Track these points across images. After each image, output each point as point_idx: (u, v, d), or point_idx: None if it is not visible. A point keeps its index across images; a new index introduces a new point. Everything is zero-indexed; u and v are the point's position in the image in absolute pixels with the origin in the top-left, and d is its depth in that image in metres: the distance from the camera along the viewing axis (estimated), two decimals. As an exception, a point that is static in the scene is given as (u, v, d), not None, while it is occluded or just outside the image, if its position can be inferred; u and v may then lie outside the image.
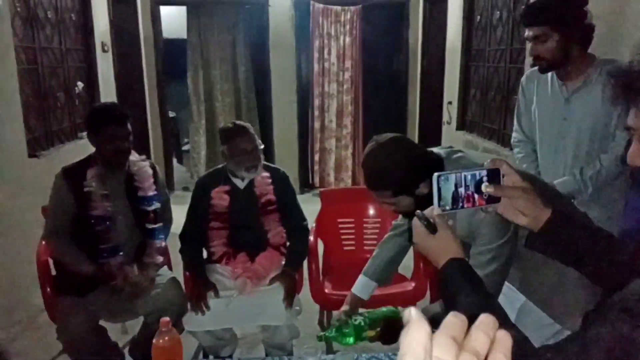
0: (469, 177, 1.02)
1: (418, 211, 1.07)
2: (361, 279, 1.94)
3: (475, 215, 1.42)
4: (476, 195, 1.03)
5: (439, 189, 1.02)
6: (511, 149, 3.34)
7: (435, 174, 1.00)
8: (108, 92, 4.38)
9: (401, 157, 1.40)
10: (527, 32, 1.98)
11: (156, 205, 2.29)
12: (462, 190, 1.02)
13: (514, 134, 2.32)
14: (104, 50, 4.29)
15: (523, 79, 2.23)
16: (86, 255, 2.16)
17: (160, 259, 2.33)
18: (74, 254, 2.16)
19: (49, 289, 2.28)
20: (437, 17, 5.01)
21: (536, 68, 2.08)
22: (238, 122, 2.37)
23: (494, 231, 1.42)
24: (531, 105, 2.17)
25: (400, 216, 1.86)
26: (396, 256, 1.95)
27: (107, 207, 2.16)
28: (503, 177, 1.03)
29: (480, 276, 1.16)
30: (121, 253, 2.20)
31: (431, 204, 1.47)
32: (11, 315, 2.76)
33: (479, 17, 4.12)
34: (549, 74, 2.05)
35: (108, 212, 2.17)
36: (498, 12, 3.73)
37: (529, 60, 3.10)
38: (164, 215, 2.39)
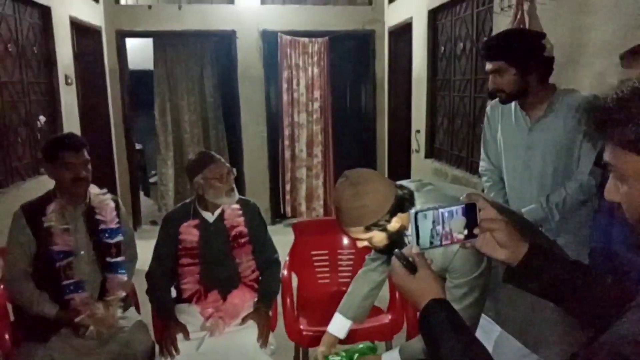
0: (446, 213, 1.00)
1: (397, 250, 1.04)
2: (337, 317, 1.90)
3: (448, 249, 1.41)
4: (454, 232, 1.02)
5: (417, 227, 1.00)
6: (479, 176, 3.42)
7: (413, 212, 0.99)
8: (72, 126, 4.26)
9: (372, 194, 1.38)
10: (487, 66, 2.03)
11: (118, 238, 2.23)
12: (439, 227, 1.01)
13: (481, 163, 2.35)
14: (67, 83, 4.19)
15: (488, 108, 2.27)
16: (48, 295, 2.08)
17: (123, 293, 2.23)
18: (35, 297, 2.07)
19: (7, 337, 2.14)
20: (403, 47, 5.11)
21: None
22: (204, 150, 2.34)
23: (467, 264, 1.42)
24: (496, 134, 2.21)
25: (372, 251, 1.83)
26: (371, 292, 1.93)
27: (68, 241, 2.11)
28: (479, 211, 1.02)
29: (457, 310, 1.14)
30: (84, 289, 2.13)
31: (402, 238, 1.46)
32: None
33: (442, 48, 4.22)
34: (512, 103, 2.09)
35: (70, 246, 2.11)
36: (462, 44, 3.83)
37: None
38: (128, 251, 2.31)
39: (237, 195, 2.30)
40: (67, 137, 2.19)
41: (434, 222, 1.00)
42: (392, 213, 1.40)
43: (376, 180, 1.43)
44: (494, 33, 3.15)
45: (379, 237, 1.43)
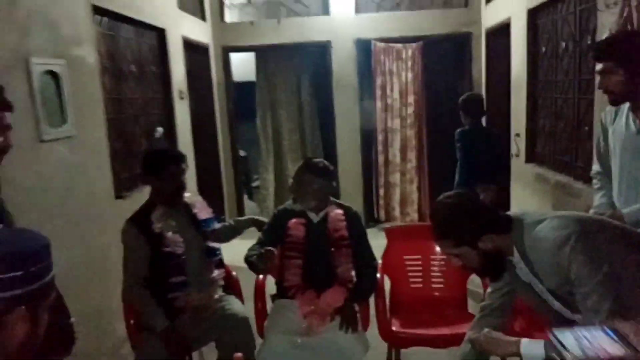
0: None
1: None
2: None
3: (557, 257, 1.41)
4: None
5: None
6: (584, 182, 3.25)
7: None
8: (185, 136, 4.69)
9: (464, 208, 1.49)
10: (596, 66, 2.03)
11: (215, 225, 2.49)
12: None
13: (593, 166, 2.33)
14: (180, 98, 4.62)
15: (604, 112, 2.22)
16: (155, 292, 2.29)
17: (218, 273, 2.47)
18: (151, 310, 2.27)
19: (132, 322, 2.45)
20: (500, 49, 4.97)
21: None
22: (309, 160, 2.49)
23: (587, 267, 1.38)
24: (607, 138, 2.16)
25: (487, 296, 1.85)
26: None
27: (179, 241, 2.32)
28: None
29: (598, 323, 1.25)
30: (188, 287, 2.32)
31: (501, 262, 1.49)
32: (97, 344, 2.96)
33: (544, 48, 4.06)
34: (626, 107, 2.02)
35: (181, 246, 2.32)
36: (564, 43, 3.66)
37: (598, 91, 3.03)
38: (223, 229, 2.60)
39: (321, 213, 2.45)
40: (167, 151, 2.48)
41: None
42: (483, 231, 1.46)
43: (468, 198, 1.53)
44: (598, 31, 2.99)
45: (469, 255, 1.50)
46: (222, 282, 2.50)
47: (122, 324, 2.52)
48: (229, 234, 2.63)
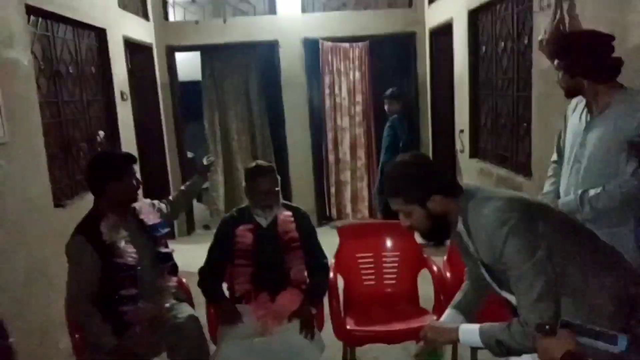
0: None
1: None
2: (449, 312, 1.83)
3: (492, 242, 1.47)
4: None
5: None
6: (524, 176, 3.41)
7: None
8: (128, 138, 4.53)
9: (417, 166, 1.57)
10: (555, 62, 2.14)
11: (165, 230, 2.40)
12: None
13: (553, 154, 2.40)
14: (122, 99, 4.46)
15: (569, 104, 2.31)
16: (103, 307, 2.15)
17: (174, 280, 2.39)
18: (98, 328, 2.14)
19: (77, 336, 2.33)
20: (444, 48, 5.11)
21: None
22: (260, 162, 2.47)
23: (519, 254, 1.43)
24: (566, 129, 2.26)
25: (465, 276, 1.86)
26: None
27: (131, 252, 2.21)
28: None
29: (530, 305, 1.36)
30: (137, 302, 2.21)
31: (446, 227, 1.60)
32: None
33: (484, 47, 4.21)
34: (584, 101, 2.12)
35: (133, 257, 2.21)
36: (502, 43, 3.81)
37: (536, 88, 3.18)
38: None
39: (273, 212, 2.44)
40: (123, 152, 2.37)
41: None
42: (431, 191, 1.53)
43: (420, 158, 1.61)
44: (534, 32, 3.13)
45: (418, 214, 1.57)
46: (174, 290, 2.42)
47: (66, 339, 2.41)
48: (182, 204, 2.61)
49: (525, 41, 3.43)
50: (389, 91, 5.18)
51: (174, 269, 2.43)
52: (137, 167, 2.32)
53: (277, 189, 2.41)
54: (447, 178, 1.60)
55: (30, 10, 3.05)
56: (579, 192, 2.02)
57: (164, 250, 2.37)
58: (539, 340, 1.25)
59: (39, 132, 3.07)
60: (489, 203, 1.51)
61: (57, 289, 2.56)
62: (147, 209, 2.40)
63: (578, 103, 2.19)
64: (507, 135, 3.88)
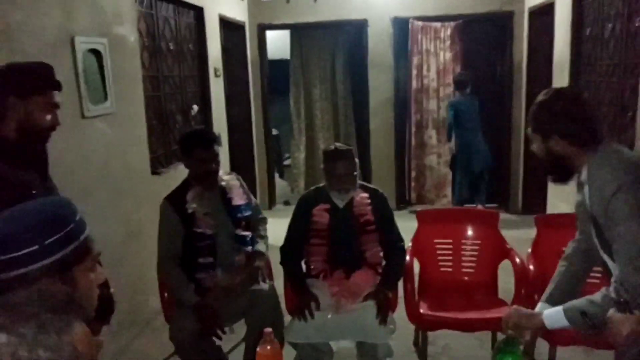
0: None
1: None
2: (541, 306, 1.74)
3: (603, 192, 1.44)
4: None
5: None
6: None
7: None
8: (219, 113, 4.75)
9: (557, 102, 1.54)
10: None
11: (247, 212, 2.49)
12: None
13: None
14: (216, 75, 4.67)
15: None
16: (184, 272, 2.33)
17: (258, 262, 2.47)
18: (181, 284, 2.32)
19: (166, 295, 2.54)
20: (544, 29, 4.80)
21: None
22: (339, 145, 2.47)
23: (626, 208, 1.39)
24: None
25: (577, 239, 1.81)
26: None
27: (210, 224, 2.35)
28: None
29: (628, 262, 1.34)
30: (215, 269, 2.37)
31: (564, 168, 1.59)
32: (132, 316, 3.09)
33: (589, 29, 3.90)
34: None
35: (211, 228, 2.35)
36: (610, 25, 3.51)
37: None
38: (256, 217, 2.60)
39: (349, 195, 2.43)
40: (199, 133, 2.48)
41: None
42: (562, 134, 1.52)
43: (565, 97, 1.57)
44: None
45: (538, 146, 1.60)
46: (256, 269, 2.48)
47: (156, 297, 2.62)
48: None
49: (637, 23, 3.13)
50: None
51: (251, 254, 2.49)
52: (216, 150, 2.40)
53: (355, 172, 2.42)
54: (584, 128, 1.53)
55: (137, -11, 3.27)
56: None
57: (241, 232, 2.47)
58: (613, 314, 1.24)
59: (142, 105, 3.31)
60: (612, 160, 1.48)
61: (149, 251, 2.78)
62: (237, 190, 2.51)
63: None
64: (609, 124, 3.60)
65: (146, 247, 3.05)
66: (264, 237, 2.60)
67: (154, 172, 3.51)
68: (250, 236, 2.51)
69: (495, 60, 5.65)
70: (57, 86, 1.67)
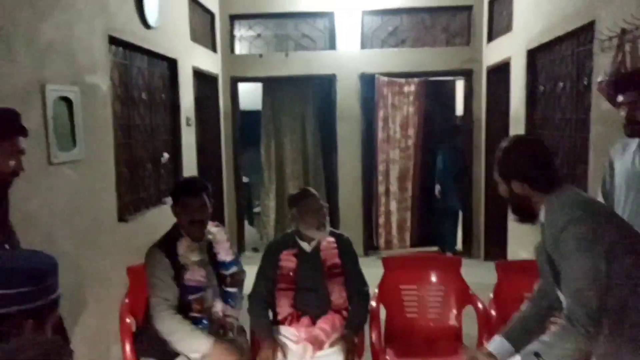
0: None
1: None
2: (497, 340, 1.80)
3: (555, 228, 1.53)
4: None
5: None
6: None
7: None
8: (190, 161, 4.79)
9: (516, 148, 1.68)
10: (619, 98, 2.11)
11: (232, 269, 2.42)
12: None
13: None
14: (188, 124, 4.74)
15: (612, 148, 2.28)
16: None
17: (235, 315, 2.40)
18: (187, 330, 2.15)
19: (128, 348, 2.40)
20: (501, 86, 5.10)
21: (621, 139, 2.17)
22: (304, 187, 2.57)
23: (575, 242, 1.48)
24: (613, 173, 2.22)
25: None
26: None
27: (201, 275, 2.28)
28: None
29: (576, 292, 1.42)
30: (205, 322, 2.27)
31: (527, 208, 1.68)
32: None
33: (542, 87, 4.18)
34: (634, 143, 2.09)
35: (202, 281, 2.27)
36: (561, 83, 3.78)
37: (594, 130, 3.12)
38: (240, 276, 2.50)
39: (327, 230, 2.50)
40: (189, 181, 2.47)
41: None
42: (523, 178, 1.62)
43: (524, 142, 1.74)
44: (594, 73, 3.10)
45: (502, 187, 1.72)
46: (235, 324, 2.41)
47: (117, 347, 2.54)
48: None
49: (585, 82, 3.39)
50: None
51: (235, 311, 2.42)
52: (206, 200, 2.31)
53: (325, 207, 2.50)
54: (542, 172, 1.64)
55: (113, 40, 3.36)
56: None
57: (229, 289, 2.40)
58: None
59: (111, 152, 3.33)
60: (565, 199, 1.58)
61: (113, 299, 2.73)
62: (224, 244, 2.44)
63: (625, 145, 2.15)
64: (564, 175, 3.79)
65: (110, 295, 2.99)
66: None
67: (121, 219, 3.49)
68: (233, 293, 2.42)
69: (454, 115, 5.98)
70: (23, 132, 1.68)
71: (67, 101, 2.80)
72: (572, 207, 1.55)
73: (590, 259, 1.45)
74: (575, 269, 1.47)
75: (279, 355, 2.28)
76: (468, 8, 5.68)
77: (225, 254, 2.42)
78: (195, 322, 2.25)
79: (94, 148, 3.06)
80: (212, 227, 2.45)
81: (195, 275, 2.26)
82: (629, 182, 2.09)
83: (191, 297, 2.25)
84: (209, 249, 2.41)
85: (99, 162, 3.16)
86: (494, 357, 1.68)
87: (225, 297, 2.39)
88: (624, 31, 2.64)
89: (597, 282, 1.44)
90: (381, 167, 5.85)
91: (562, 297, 1.62)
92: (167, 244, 2.30)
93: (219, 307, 2.35)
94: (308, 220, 2.45)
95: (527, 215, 1.72)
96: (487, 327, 2.54)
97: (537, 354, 1.50)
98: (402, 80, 5.69)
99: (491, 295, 2.76)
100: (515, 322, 1.81)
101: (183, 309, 2.24)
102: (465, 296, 2.84)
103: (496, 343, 1.75)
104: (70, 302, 2.78)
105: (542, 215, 1.66)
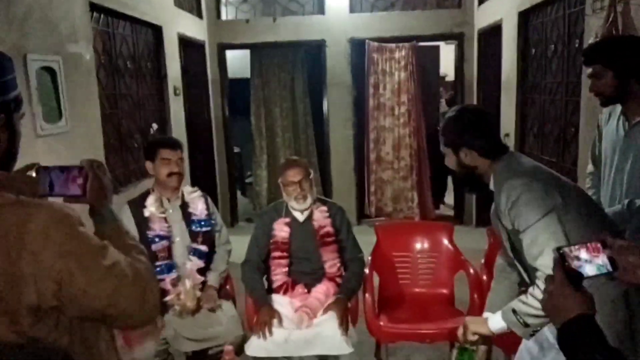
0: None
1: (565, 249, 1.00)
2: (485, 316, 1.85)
3: (507, 199, 1.56)
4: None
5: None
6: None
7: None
8: (179, 132, 4.72)
9: (462, 116, 1.68)
10: (587, 70, 2.12)
11: (206, 228, 2.51)
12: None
13: (588, 166, 2.40)
14: (175, 94, 4.66)
15: (601, 114, 2.28)
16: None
17: (201, 278, 2.47)
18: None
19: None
20: (492, 50, 5.04)
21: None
22: (290, 157, 2.58)
23: (528, 209, 1.51)
24: (601, 139, 2.23)
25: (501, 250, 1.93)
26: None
27: (164, 227, 2.40)
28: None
29: (539, 258, 1.42)
30: (174, 271, 2.39)
31: (475, 180, 1.71)
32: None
33: (533, 50, 4.13)
34: (619, 109, 2.09)
35: (165, 231, 2.40)
36: (553, 46, 3.74)
37: (585, 93, 3.10)
38: (221, 237, 2.63)
39: (307, 202, 2.50)
40: (166, 138, 2.56)
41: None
42: (470, 146, 1.64)
43: (470, 111, 1.73)
44: (585, 35, 3.07)
45: (450, 159, 1.73)
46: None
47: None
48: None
49: (576, 44, 3.35)
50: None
51: (203, 269, 2.49)
52: (180, 154, 2.49)
53: (310, 177, 2.50)
54: (488, 139, 1.66)
55: (93, 7, 3.25)
56: (626, 201, 1.98)
57: (196, 246, 2.47)
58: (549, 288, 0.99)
59: (98, 123, 3.27)
60: (513, 166, 1.61)
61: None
62: (200, 206, 2.53)
63: (611, 112, 2.15)
64: (554, 140, 3.80)
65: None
66: (224, 256, 2.61)
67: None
68: (206, 250, 2.50)
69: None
70: None
71: (50, 72, 2.72)
72: (521, 173, 1.58)
73: (547, 218, 1.49)
74: (539, 230, 1.50)
75: (275, 322, 2.30)
76: (459, -31, 5.56)
77: (198, 213, 2.51)
78: (162, 270, 2.34)
79: (80, 119, 3.00)
80: (189, 190, 2.57)
81: (156, 226, 2.38)
82: (614, 146, 2.10)
83: (154, 247, 2.36)
84: (184, 209, 2.51)
85: (86, 134, 3.10)
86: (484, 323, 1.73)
87: (195, 254, 2.47)
88: (615, -9, 2.60)
89: (558, 239, 1.47)
90: (372, 135, 5.80)
91: (519, 266, 1.69)
92: (137, 201, 2.46)
93: (189, 264, 2.45)
94: (287, 191, 2.48)
95: (477, 186, 1.75)
96: (479, 292, 2.58)
97: (514, 311, 1.54)
98: (393, 45, 5.60)
99: (482, 260, 2.80)
100: (493, 295, 1.89)
101: (151, 261, 2.29)
102: (457, 262, 2.87)
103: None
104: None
105: (491, 184, 1.69)
